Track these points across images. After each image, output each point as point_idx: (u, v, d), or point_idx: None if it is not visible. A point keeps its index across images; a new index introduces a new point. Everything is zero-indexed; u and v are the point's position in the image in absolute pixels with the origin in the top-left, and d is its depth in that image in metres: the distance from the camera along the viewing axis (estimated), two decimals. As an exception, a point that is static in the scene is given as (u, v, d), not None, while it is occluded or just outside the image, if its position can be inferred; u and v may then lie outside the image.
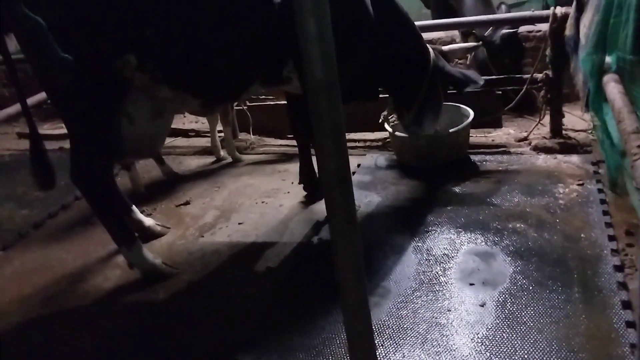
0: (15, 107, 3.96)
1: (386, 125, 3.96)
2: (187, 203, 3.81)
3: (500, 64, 4.62)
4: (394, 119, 4.00)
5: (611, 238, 2.78)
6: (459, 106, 3.99)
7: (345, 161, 1.41)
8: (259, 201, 3.73)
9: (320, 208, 3.50)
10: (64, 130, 5.13)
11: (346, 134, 3.96)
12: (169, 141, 4.88)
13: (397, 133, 3.88)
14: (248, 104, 4.84)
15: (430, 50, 3.52)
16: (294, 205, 3.62)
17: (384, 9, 3.14)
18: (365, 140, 4.47)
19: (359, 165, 4.01)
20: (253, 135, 4.80)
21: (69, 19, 2.42)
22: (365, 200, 3.52)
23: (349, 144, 4.37)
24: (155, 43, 2.56)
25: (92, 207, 2.91)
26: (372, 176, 3.86)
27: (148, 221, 3.39)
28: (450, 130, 3.78)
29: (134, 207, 3.33)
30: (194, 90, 2.84)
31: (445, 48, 3.73)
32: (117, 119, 2.69)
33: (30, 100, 3.64)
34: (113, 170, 3.08)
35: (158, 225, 3.44)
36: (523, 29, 4.68)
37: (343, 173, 1.41)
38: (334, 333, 2.39)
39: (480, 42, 4.25)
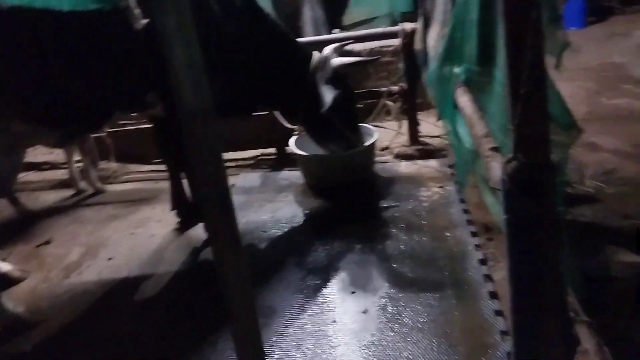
0: None
1: (291, 141, 3.87)
2: (47, 242, 3.50)
3: None
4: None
5: (473, 234, 3.01)
6: (363, 125, 3.91)
7: (225, 186, 1.38)
8: (128, 233, 3.54)
9: (196, 233, 3.40)
10: None
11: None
12: (20, 176, 4.45)
13: (294, 150, 3.79)
14: (108, 130, 4.57)
15: (317, 58, 3.38)
16: (168, 234, 3.48)
17: (243, 20, 3.04)
18: (237, 160, 4.43)
19: (232, 186, 3.96)
20: (115, 162, 4.54)
21: None
22: (243, 220, 3.48)
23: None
24: (3, 75, 2.34)
25: None
26: (247, 196, 3.83)
27: (4, 266, 3.06)
28: (340, 154, 3.66)
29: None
30: (50, 124, 2.62)
31: (333, 61, 3.42)
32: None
33: None
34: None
35: (16, 270, 3.12)
36: (377, 44, 4.95)
37: (224, 198, 1.38)
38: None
39: (375, 58, 4.03)
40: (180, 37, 1.23)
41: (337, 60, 3.43)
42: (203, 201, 1.40)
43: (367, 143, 3.77)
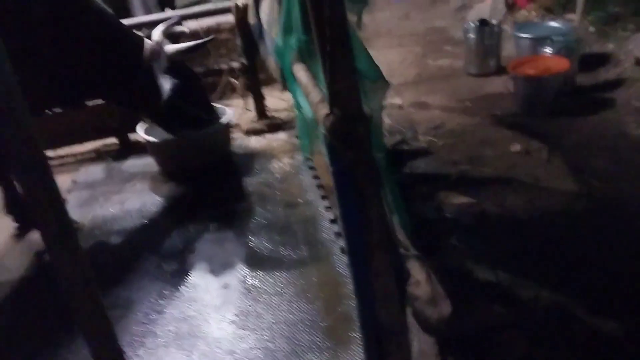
0: None
1: (138, 127, 3.65)
2: None
3: None
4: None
5: (323, 197, 3.15)
6: (216, 105, 3.78)
7: (49, 178, 1.30)
8: (-41, 246, 3.20)
9: (37, 236, 3.16)
10: None
11: (53, 149, 3.61)
12: None
13: (146, 138, 3.58)
14: None
15: (149, 46, 3.18)
16: (6, 241, 3.20)
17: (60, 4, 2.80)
18: (75, 154, 4.16)
19: (74, 182, 3.72)
20: None
21: None
22: (89, 216, 3.30)
23: (57, 161, 4.02)
24: None
25: None
26: (91, 190, 3.62)
27: None
28: (199, 135, 3.53)
29: None
30: None
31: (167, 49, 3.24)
32: None
33: None
34: None
35: None
36: (213, 21, 4.88)
37: (50, 194, 1.30)
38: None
39: (209, 39, 3.66)
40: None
41: (170, 48, 3.27)
42: (27, 195, 1.32)
43: (223, 121, 3.70)
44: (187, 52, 3.37)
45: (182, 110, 3.36)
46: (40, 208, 1.31)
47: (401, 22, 6.55)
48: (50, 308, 2.58)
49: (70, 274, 1.37)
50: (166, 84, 3.15)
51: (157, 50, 3.21)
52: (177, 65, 3.28)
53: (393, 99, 4.37)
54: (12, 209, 3.24)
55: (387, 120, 3.94)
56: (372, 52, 1.87)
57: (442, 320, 1.66)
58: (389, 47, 5.65)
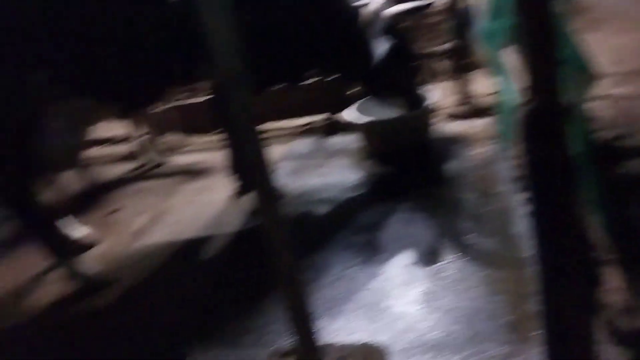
0: None
1: (346, 110, 3.89)
2: (116, 210, 3.78)
3: None
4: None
5: (520, 190, 3.01)
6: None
7: (259, 146, 1.49)
8: (191, 199, 3.76)
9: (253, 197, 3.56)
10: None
11: (271, 122, 4.02)
12: (88, 151, 4.78)
13: (351, 118, 3.81)
14: (173, 102, 4.78)
15: (367, 12, 3.33)
16: (229, 198, 3.66)
17: None
18: (288, 128, 4.57)
19: (286, 152, 4.11)
20: (180, 134, 4.78)
21: None
22: (295, 184, 3.63)
23: (274, 132, 4.46)
24: (66, 54, 2.55)
25: (21, 224, 2.87)
26: (299, 162, 3.97)
27: (79, 232, 3.35)
28: (385, 118, 3.69)
29: (64, 219, 3.28)
30: (111, 99, 2.83)
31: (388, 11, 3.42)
32: (34, 135, 2.66)
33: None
34: (36, 185, 3.01)
35: (90, 235, 3.41)
36: (422, 4, 4.88)
37: (259, 158, 1.49)
38: (276, 313, 2.48)
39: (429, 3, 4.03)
40: (212, 2, 1.32)
41: (392, 9, 3.42)
42: (245, 159, 1.53)
43: (427, 104, 3.74)
44: (407, 13, 3.52)
45: (393, 74, 3.47)
46: (253, 172, 1.51)
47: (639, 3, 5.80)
48: (256, 262, 2.92)
49: (272, 234, 1.57)
50: (384, 44, 3.28)
51: (374, 15, 3.34)
52: (394, 28, 3.42)
53: (616, 89, 3.94)
54: (237, 170, 3.67)
55: (605, 113, 3.59)
56: (598, 37, 1.73)
57: (636, 334, 1.51)
58: (619, 31, 5.05)
